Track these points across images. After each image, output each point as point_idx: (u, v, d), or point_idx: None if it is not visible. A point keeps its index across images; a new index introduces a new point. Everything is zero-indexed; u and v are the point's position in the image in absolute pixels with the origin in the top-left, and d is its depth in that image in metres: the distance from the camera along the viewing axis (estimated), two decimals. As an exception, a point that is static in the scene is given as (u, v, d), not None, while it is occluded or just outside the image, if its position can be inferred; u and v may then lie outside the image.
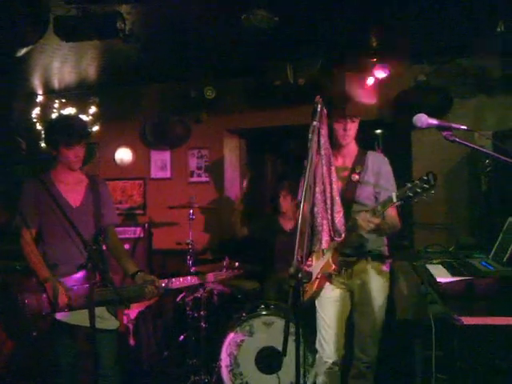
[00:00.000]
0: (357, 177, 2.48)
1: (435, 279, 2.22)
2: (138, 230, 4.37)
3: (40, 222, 2.52)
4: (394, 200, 2.18)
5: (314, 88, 4.05)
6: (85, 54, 4.17)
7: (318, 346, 2.59)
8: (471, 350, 1.99)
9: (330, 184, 2.33)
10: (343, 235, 2.34)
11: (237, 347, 3.23)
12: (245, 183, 4.40)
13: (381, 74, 4.05)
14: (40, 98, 5.23)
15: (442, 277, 2.25)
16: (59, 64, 4.39)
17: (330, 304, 2.54)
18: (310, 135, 1.95)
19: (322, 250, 2.44)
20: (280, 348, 3.16)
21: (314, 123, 1.94)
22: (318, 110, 1.95)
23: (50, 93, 5.25)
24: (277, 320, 3.22)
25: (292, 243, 2.76)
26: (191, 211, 3.89)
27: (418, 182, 2.13)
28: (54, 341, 2.47)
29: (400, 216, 2.55)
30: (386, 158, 2.60)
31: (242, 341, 3.23)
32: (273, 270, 3.93)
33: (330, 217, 2.32)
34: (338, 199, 2.35)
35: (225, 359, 3.24)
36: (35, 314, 2.35)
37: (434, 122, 2.02)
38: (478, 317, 1.77)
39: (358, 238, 2.40)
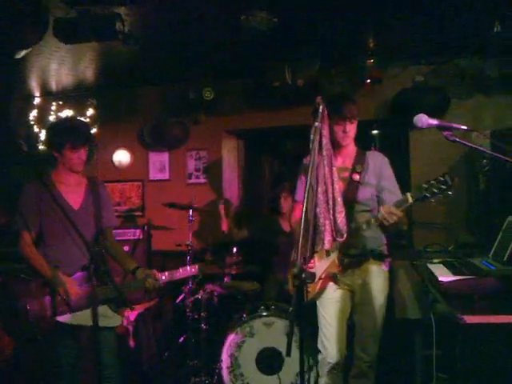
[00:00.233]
0: (358, 177, 2.49)
1: (437, 278, 2.24)
2: (138, 231, 4.37)
3: (41, 223, 2.51)
4: (410, 200, 2.19)
5: (312, 89, 4.08)
6: (83, 56, 4.17)
7: (320, 346, 2.60)
8: (473, 348, 2.00)
9: (332, 184, 2.34)
10: (345, 235, 2.34)
11: (237, 348, 3.23)
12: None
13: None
14: (37, 101, 5.23)
15: (444, 276, 2.26)
16: (57, 66, 4.38)
17: (331, 304, 2.54)
18: (311, 136, 1.96)
19: (327, 251, 2.44)
20: (281, 348, 3.17)
21: (316, 124, 1.94)
22: (320, 110, 1.95)
23: (48, 95, 5.25)
24: (277, 321, 3.22)
25: (292, 244, 2.80)
26: (191, 212, 3.88)
27: (434, 182, 2.14)
28: (56, 342, 2.46)
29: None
30: (386, 158, 2.61)
31: (243, 342, 3.23)
32: (273, 270, 3.94)
33: (332, 217, 2.33)
34: (339, 200, 2.35)
35: (225, 360, 3.24)
36: (38, 318, 2.34)
37: (435, 122, 2.04)
38: (480, 315, 1.78)
39: (362, 238, 2.41)
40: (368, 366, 2.58)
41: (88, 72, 4.61)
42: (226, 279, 3.72)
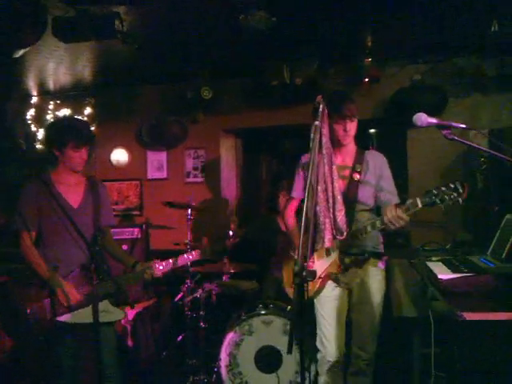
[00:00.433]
0: (358, 176, 2.49)
1: (436, 276, 2.25)
2: (136, 230, 4.36)
3: (40, 223, 2.51)
4: (419, 205, 2.18)
5: (310, 88, 4.09)
6: (81, 55, 4.16)
7: (319, 345, 2.60)
8: (472, 345, 2.01)
9: (332, 183, 2.34)
10: (345, 233, 2.35)
11: (236, 347, 3.23)
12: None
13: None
14: (34, 100, 5.22)
15: (443, 273, 2.27)
16: (55, 65, 4.38)
17: (329, 303, 2.55)
18: (311, 135, 1.96)
19: (327, 250, 2.45)
20: (279, 347, 3.18)
21: (316, 123, 1.94)
22: (320, 109, 1.96)
23: (45, 94, 5.24)
24: (276, 319, 3.22)
25: (289, 243, 2.81)
26: (189, 211, 3.88)
27: (444, 188, 2.12)
28: (56, 342, 2.46)
29: None
30: (385, 158, 2.62)
31: (242, 340, 3.24)
32: (271, 270, 3.94)
33: (332, 215, 2.33)
34: (339, 198, 2.36)
35: (224, 359, 3.24)
36: (39, 320, 2.34)
37: (434, 120, 2.05)
38: (479, 312, 1.79)
39: (361, 238, 2.42)
40: (366, 364, 2.59)
41: (86, 71, 4.61)
42: (224, 278, 3.72)
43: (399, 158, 4.51)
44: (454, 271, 2.33)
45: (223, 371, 3.23)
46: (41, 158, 4.59)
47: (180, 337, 3.89)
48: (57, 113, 5.02)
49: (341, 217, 2.34)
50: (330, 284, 2.55)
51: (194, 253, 2.67)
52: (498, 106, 4.18)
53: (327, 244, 2.34)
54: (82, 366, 2.58)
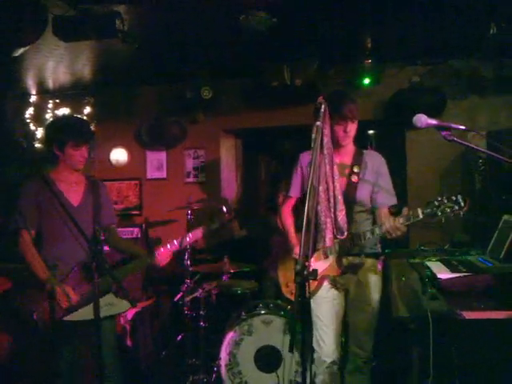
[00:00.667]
0: (356, 177, 2.51)
1: (435, 275, 2.27)
2: (136, 230, 4.37)
3: (40, 221, 2.51)
4: (420, 216, 2.21)
5: (310, 89, 4.10)
6: (80, 55, 4.16)
7: (315, 345, 2.60)
8: (470, 344, 2.03)
9: (333, 183, 2.36)
10: (346, 233, 2.37)
11: (236, 346, 3.24)
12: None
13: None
14: (33, 98, 5.21)
15: (442, 273, 2.30)
16: (54, 64, 4.37)
17: (326, 304, 2.56)
18: (313, 135, 1.97)
19: (324, 253, 2.46)
20: (279, 346, 3.19)
21: (318, 123, 1.96)
22: (322, 109, 1.97)
23: (44, 93, 5.23)
24: (276, 319, 3.24)
25: (284, 244, 2.82)
26: (189, 211, 3.89)
27: (446, 201, 2.15)
28: (60, 342, 2.46)
29: None
30: (384, 159, 2.63)
31: (241, 340, 3.25)
32: (271, 268, 3.95)
33: (333, 215, 2.35)
34: (340, 198, 2.38)
35: (224, 358, 3.25)
36: (46, 323, 2.35)
37: (434, 122, 2.07)
38: (478, 311, 1.81)
39: (361, 243, 2.43)
40: (364, 362, 2.61)
41: (86, 70, 4.60)
42: (224, 278, 3.73)
43: (398, 159, 4.53)
44: (452, 271, 2.35)
45: (223, 371, 3.24)
46: (40, 157, 4.59)
47: (179, 336, 3.90)
48: (56, 112, 5.01)
49: (341, 216, 2.36)
50: (327, 285, 2.57)
51: (197, 231, 2.65)
52: (495, 108, 4.21)
53: (328, 243, 2.36)
54: (83, 365, 2.59)
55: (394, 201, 2.56)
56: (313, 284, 2.49)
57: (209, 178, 5.05)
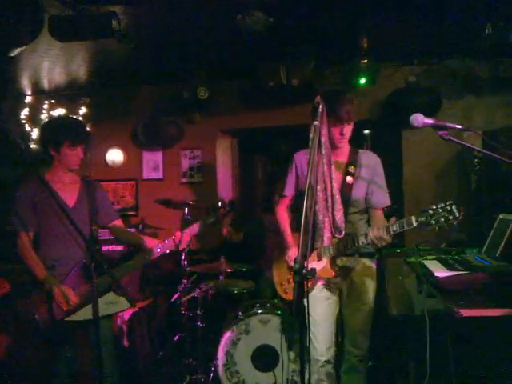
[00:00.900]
0: (351, 177, 2.51)
1: (433, 274, 2.28)
2: (132, 230, 4.36)
3: (37, 223, 2.51)
4: (414, 224, 2.21)
5: (307, 89, 4.11)
6: (76, 55, 4.15)
7: (308, 343, 2.61)
8: (466, 343, 2.04)
9: (331, 182, 2.36)
10: (343, 232, 2.37)
11: (233, 346, 3.25)
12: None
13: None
14: (29, 99, 5.19)
15: (439, 272, 2.31)
16: (50, 64, 4.36)
17: (320, 303, 2.56)
18: (310, 135, 1.98)
19: (318, 255, 2.47)
20: (276, 346, 3.19)
21: (316, 123, 1.96)
22: (319, 109, 1.97)
23: (40, 93, 5.21)
24: (273, 318, 3.24)
25: (279, 244, 2.82)
26: (186, 211, 3.88)
27: (440, 210, 2.14)
28: (60, 342, 2.46)
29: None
30: (379, 159, 2.64)
31: (239, 339, 3.25)
32: (266, 268, 3.96)
33: (330, 215, 2.35)
34: (338, 197, 2.38)
35: (221, 358, 3.25)
36: (48, 325, 2.35)
37: (430, 121, 2.08)
38: (475, 309, 1.82)
39: (361, 244, 2.44)
40: (359, 360, 2.62)
41: (81, 70, 4.59)
42: (221, 278, 3.73)
43: (394, 158, 4.55)
44: (449, 269, 2.36)
45: (220, 370, 3.24)
46: (36, 158, 4.57)
47: (177, 336, 3.90)
48: (51, 112, 5.00)
49: (339, 216, 2.36)
50: (320, 285, 2.57)
51: (194, 226, 2.64)
52: (491, 108, 4.23)
53: (326, 243, 2.36)
54: (81, 365, 2.58)
55: (388, 201, 2.57)
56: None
57: (205, 178, 5.04)
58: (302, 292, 1.72)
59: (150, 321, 4.15)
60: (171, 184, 5.08)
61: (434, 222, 2.15)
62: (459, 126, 2.10)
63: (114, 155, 5.22)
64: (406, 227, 2.23)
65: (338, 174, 2.49)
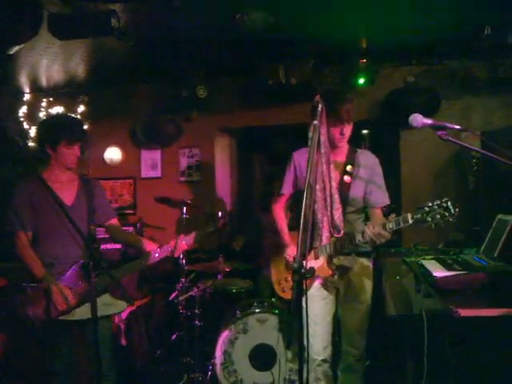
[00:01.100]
0: (349, 177, 2.51)
1: (431, 274, 2.29)
2: (130, 229, 4.36)
3: (35, 221, 2.50)
4: (410, 221, 2.21)
5: (305, 88, 4.11)
6: (75, 53, 4.14)
7: (305, 343, 2.62)
8: (464, 343, 2.05)
9: (330, 181, 2.36)
10: (342, 232, 2.37)
11: (231, 345, 3.25)
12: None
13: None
14: (27, 97, 5.18)
15: (437, 271, 2.31)
16: (48, 62, 4.35)
17: (316, 302, 2.56)
18: (310, 134, 1.97)
19: (315, 254, 2.47)
20: (274, 345, 3.19)
21: (315, 122, 1.96)
22: (319, 109, 1.97)
23: (38, 91, 5.20)
24: (271, 317, 3.24)
25: (276, 243, 2.82)
26: (184, 210, 3.88)
27: (436, 207, 2.15)
28: (56, 341, 2.46)
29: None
30: (378, 159, 2.64)
31: (236, 338, 3.25)
32: (264, 267, 3.96)
33: (329, 214, 2.35)
34: (336, 196, 2.38)
35: (219, 357, 3.25)
36: (43, 321, 2.34)
37: (429, 121, 2.08)
38: (474, 309, 1.83)
39: (350, 247, 2.44)
40: (356, 360, 2.62)
41: (80, 68, 4.58)
42: (219, 277, 3.73)
43: (392, 158, 4.56)
44: (447, 269, 2.37)
45: (218, 369, 3.24)
46: (33, 156, 4.56)
47: (174, 335, 3.90)
48: (50, 110, 4.98)
49: (338, 215, 2.36)
50: (318, 284, 2.57)
51: (190, 236, 2.64)
52: (489, 108, 4.24)
53: (324, 242, 2.36)
54: (79, 364, 2.58)
55: (386, 201, 2.57)
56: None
57: (204, 176, 5.04)
58: (300, 291, 1.72)
59: (148, 319, 4.15)
60: (169, 182, 5.08)
61: (429, 219, 2.16)
62: (458, 127, 2.11)
63: (113, 153, 5.21)
64: (401, 224, 2.24)
65: (337, 174, 2.50)
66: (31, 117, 5.03)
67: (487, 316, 1.82)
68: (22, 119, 5.01)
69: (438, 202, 2.15)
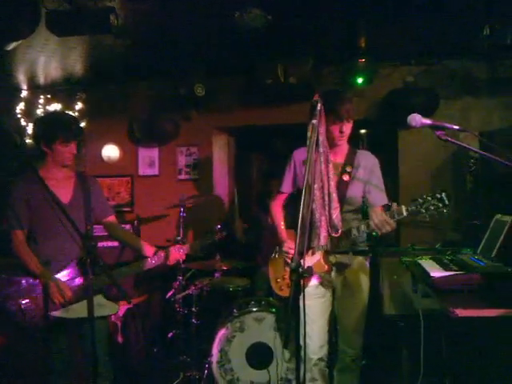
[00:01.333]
0: (347, 176, 2.52)
1: (429, 274, 2.29)
2: (127, 227, 4.35)
3: (31, 220, 2.49)
4: (404, 213, 2.22)
5: (304, 87, 4.11)
6: (72, 50, 4.12)
7: (302, 342, 2.61)
8: (462, 342, 2.05)
9: (328, 181, 2.36)
10: (340, 231, 2.38)
11: (227, 343, 3.25)
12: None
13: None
14: (24, 94, 5.15)
15: (434, 271, 2.32)
16: (46, 59, 4.33)
17: (313, 300, 2.57)
18: (308, 133, 1.97)
19: (312, 250, 2.47)
20: (271, 344, 3.20)
21: (314, 121, 1.95)
22: (318, 108, 1.97)
23: (35, 88, 5.17)
24: (267, 316, 3.25)
25: (273, 241, 2.82)
26: (182, 208, 3.88)
27: (430, 198, 2.17)
28: (49, 337, 2.45)
29: None
30: (377, 160, 2.65)
31: (233, 337, 3.25)
32: (262, 265, 3.96)
33: (327, 213, 2.35)
34: (334, 196, 2.38)
35: (215, 355, 3.25)
36: (34, 316, 2.33)
37: (428, 121, 2.09)
38: (471, 309, 1.83)
39: (347, 241, 2.44)
40: (352, 360, 2.63)
41: (78, 66, 4.56)
42: (216, 275, 3.73)
43: (390, 158, 4.56)
44: (445, 269, 2.37)
45: (214, 367, 3.24)
46: (32, 153, 4.54)
47: (171, 333, 3.89)
48: (47, 107, 4.96)
49: (336, 214, 2.37)
50: (314, 282, 2.58)
51: (183, 248, 2.66)
52: (488, 109, 4.24)
53: (322, 241, 2.36)
54: (74, 363, 2.57)
55: (385, 200, 2.58)
56: (301, 280, 2.50)
57: (201, 175, 5.03)
58: (298, 290, 1.72)
59: (145, 317, 4.15)
60: (167, 181, 5.07)
61: (424, 211, 2.18)
62: (457, 127, 2.12)
63: (110, 151, 5.19)
64: (396, 217, 2.25)
65: (336, 173, 2.50)
66: (29, 113, 5.00)
67: (484, 316, 1.82)
68: (19, 116, 4.99)
69: (432, 194, 2.18)
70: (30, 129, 4.97)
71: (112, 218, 2.77)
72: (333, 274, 2.58)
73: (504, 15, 3.19)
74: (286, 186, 2.69)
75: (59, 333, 2.47)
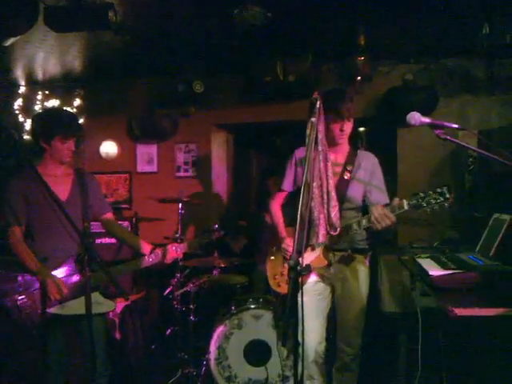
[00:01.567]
0: (348, 175, 2.52)
1: (427, 272, 2.29)
2: (125, 224, 4.34)
3: (28, 217, 2.48)
4: (405, 207, 2.22)
5: (303, 85, 4.10)
6: (71, 46, 4.10)
7: (300, 339, 2.62)
8: (460, 340, 2.06)
9: (327, 179, 2.37)
10: (338, 229, 2.38)
11: (225, 340, 3.26)
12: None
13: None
14: (22, 89, 5.13)
15: (433, 270, 2.32)
16: (44, 55, 4.31)
17: (311, 297, 2.57)
18: (307, 131, 1.97)
19: (312, 246, 2.47)
20: (268, 341, 3.20)
21: (313, 119, 1.95)
22: (317, 106, 1.96)
23: (34, 84, 5.15)
24: (265, 313, 3.26)
25: (271, 239, 2.83)
26: (180, 205, 3.87)
27: (431, 192, 2.18)
28: (46, 334, 2.45)
29: None
30: (377, 159, 2.65)
31: (231, 334, 3.26)
32: (260, 262, 3.97)
33: (326, 211, 2.36)
34: (333, 194, 2.39)
35: (213, 352, 3.26)
36: (31, 312, 2.33)
37: (427, 120, 2.09)
38: (469, 308, 1.83)
39: (347, 236, 2.44)
40: (351, 359, 2.63)
41: (76, 62, 4.54)
42: (214, 272, 3.73)
43: (389, 156, 4.55)
44: (443, 268, 2.37)
45: (212, 364, 3.25)
46: (30, 149, 4.52)
47: (169, 330, 3.90)
48: (45, 103, 4.94)
49: (335, 212, 2.37)
50: (313, 278, 2.58)
51: (181, 246, 2.66)
52: (487, 107, 4.24)
53: (321, 239, 2.37)
54: (72, 359, 2.57)
55: (386, 200, 2.59)
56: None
57: (200, 172, 5.02)
58: (296, 288, 1.72)
59: (143, 314, 4.15)
60: (166, 177, 5.06)
61: (425, 205, 2.19)
62: (455, 125, 2.12)
63: (108, 148, 5.18)
64: (397, 211, 2.25)
65: (336, 174, 2.50)
66: (27, 110, 4.98)
67: (482, 315, 1.83)
68: (17, 112, 4.97)
69: (434, 188, 2.19)
70: (28, 125, 4.95)
71: (110, 215, 2.76)
72: (332, 271, 2.58)
73: (503, 14, 3.18)
74: (287, 184, 2.70)
75: (56, 330, 2.46)
